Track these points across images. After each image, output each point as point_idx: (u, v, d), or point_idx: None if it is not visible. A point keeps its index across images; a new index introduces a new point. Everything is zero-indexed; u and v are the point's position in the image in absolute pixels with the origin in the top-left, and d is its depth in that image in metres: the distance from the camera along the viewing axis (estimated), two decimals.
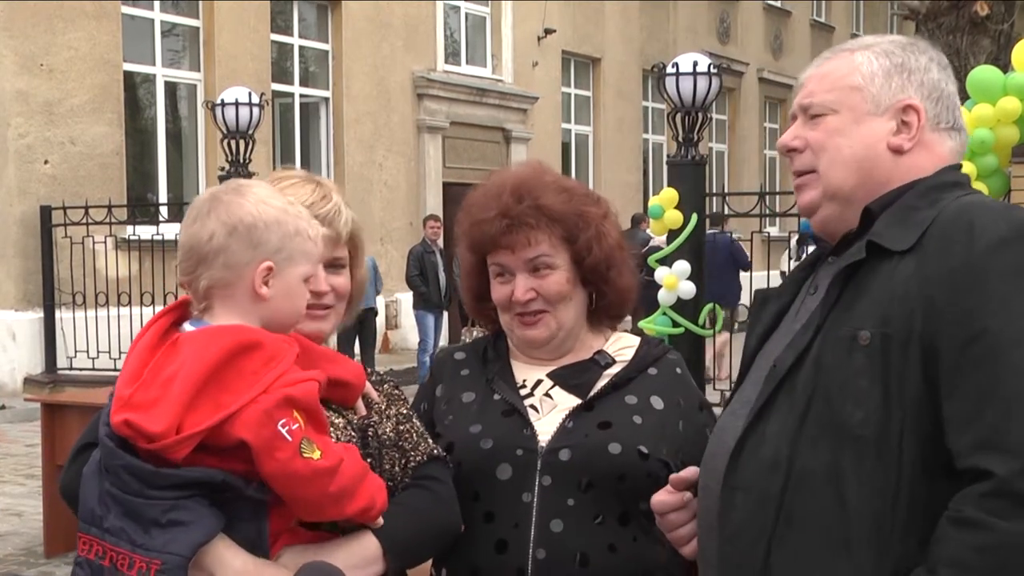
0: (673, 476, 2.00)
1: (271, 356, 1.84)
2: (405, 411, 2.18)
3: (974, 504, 1.59)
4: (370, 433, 2.06)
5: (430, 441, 2.17)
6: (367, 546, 1.96)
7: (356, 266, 2.22)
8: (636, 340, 2.39)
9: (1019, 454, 1.57)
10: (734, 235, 14.11)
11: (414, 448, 2.12)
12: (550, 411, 2.26)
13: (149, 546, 1.74)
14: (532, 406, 2.27)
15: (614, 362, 2.32)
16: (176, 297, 1.85)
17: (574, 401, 2.26)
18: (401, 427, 2.14)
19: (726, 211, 9.09)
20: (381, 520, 1.98)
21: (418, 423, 2.19)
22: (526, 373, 2.33)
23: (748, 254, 13.11)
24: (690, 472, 1.99)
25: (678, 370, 2.37)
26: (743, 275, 13.22)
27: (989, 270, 1.65)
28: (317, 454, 1.82)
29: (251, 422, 1.78)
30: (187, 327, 1.90)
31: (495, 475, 2.20)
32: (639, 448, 2.19)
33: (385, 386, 2.20)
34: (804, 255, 14.08)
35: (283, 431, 1.79)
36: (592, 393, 2.27)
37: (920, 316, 1.67)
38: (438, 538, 2.13)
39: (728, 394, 2.19)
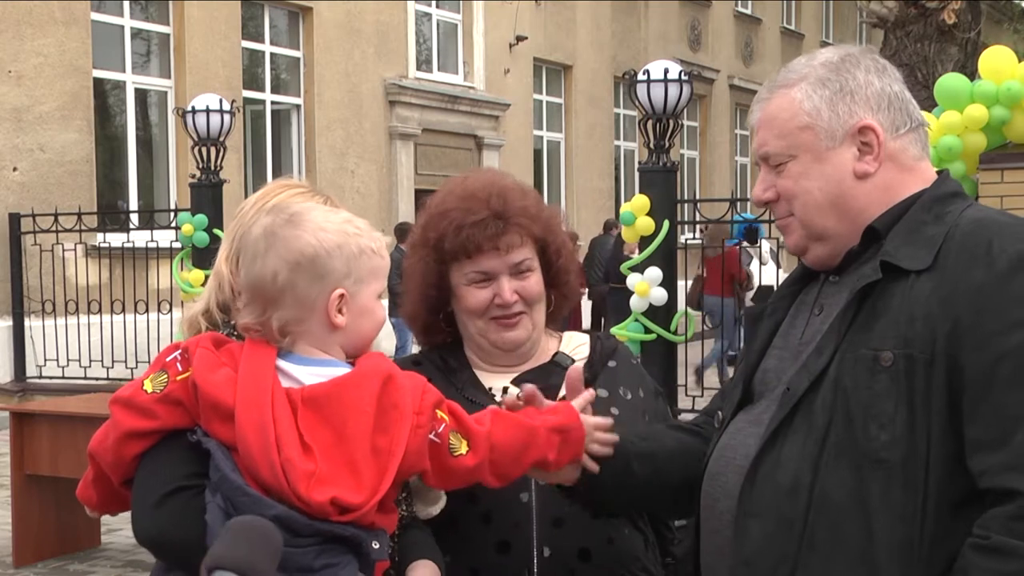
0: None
1: (401, 382, 1.82)
2: None
3: (1000, 528, 1.58)
4: None
5: None
6: None
7: None
8: (586, 337, 2.42)
9: None
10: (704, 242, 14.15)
11: None
12: None
13: None
14: None
15: (574, 360, 2.34)
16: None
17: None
18: None
19: (697, 217, 9.10)
20: (594, 464, 2.03)
21: None
22: (491, 381, 2.33)
23: None
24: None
25: (633, 361, 2.44)
26: None
27: (1010, 290, 1.65)
28: (464, 447, 1.87)
29: (423, 450, 1.81)
30: (284, 365, 1.83)
31: None
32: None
33: None
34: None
35: (433, 437, 1.83)
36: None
37: (943, 337, 1.66)
38: None
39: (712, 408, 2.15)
